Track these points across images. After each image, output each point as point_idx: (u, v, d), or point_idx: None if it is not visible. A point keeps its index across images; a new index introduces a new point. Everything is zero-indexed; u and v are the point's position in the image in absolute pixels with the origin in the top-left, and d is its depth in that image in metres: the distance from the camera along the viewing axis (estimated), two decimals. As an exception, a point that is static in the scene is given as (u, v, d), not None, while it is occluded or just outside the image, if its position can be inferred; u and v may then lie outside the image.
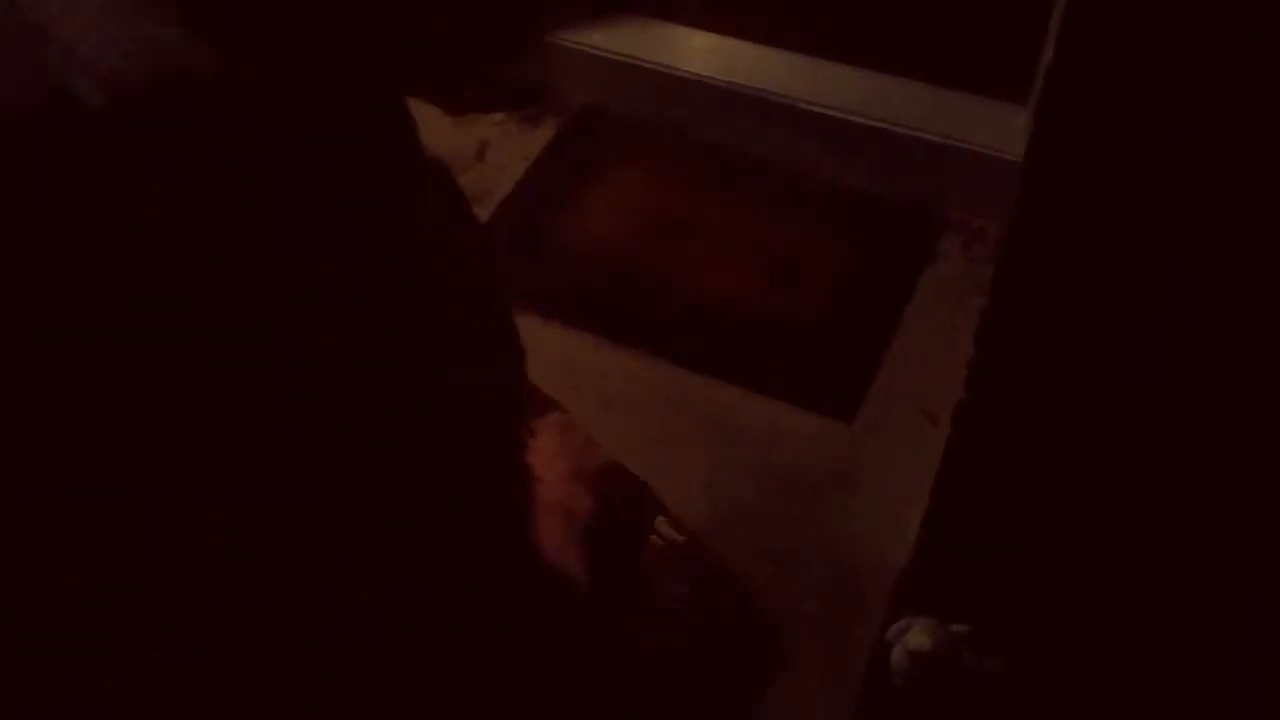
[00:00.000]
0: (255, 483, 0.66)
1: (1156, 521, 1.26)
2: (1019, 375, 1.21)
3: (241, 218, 0.61)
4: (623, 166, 2.24)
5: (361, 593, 0.75)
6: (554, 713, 0.96)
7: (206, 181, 0.59)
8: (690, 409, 1.84)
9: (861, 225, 2.12)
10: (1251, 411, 1.12)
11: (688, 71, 2.22)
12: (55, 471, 0.62)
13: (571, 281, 2.03)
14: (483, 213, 2.11)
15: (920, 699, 1.38)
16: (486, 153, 2.27)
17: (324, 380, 0.67)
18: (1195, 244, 1.06)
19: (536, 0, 0.88)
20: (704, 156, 2.25)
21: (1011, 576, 1.37)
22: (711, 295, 2.01)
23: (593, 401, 1.78)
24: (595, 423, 1.62)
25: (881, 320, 1.98)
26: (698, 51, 2.27)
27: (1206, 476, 1.19)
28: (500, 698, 0.90)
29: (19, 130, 0.57)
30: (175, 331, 0.60)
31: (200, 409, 0.62)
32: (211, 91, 0.60)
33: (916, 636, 1.38)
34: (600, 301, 2.00)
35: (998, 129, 2.04)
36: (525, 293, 1.94)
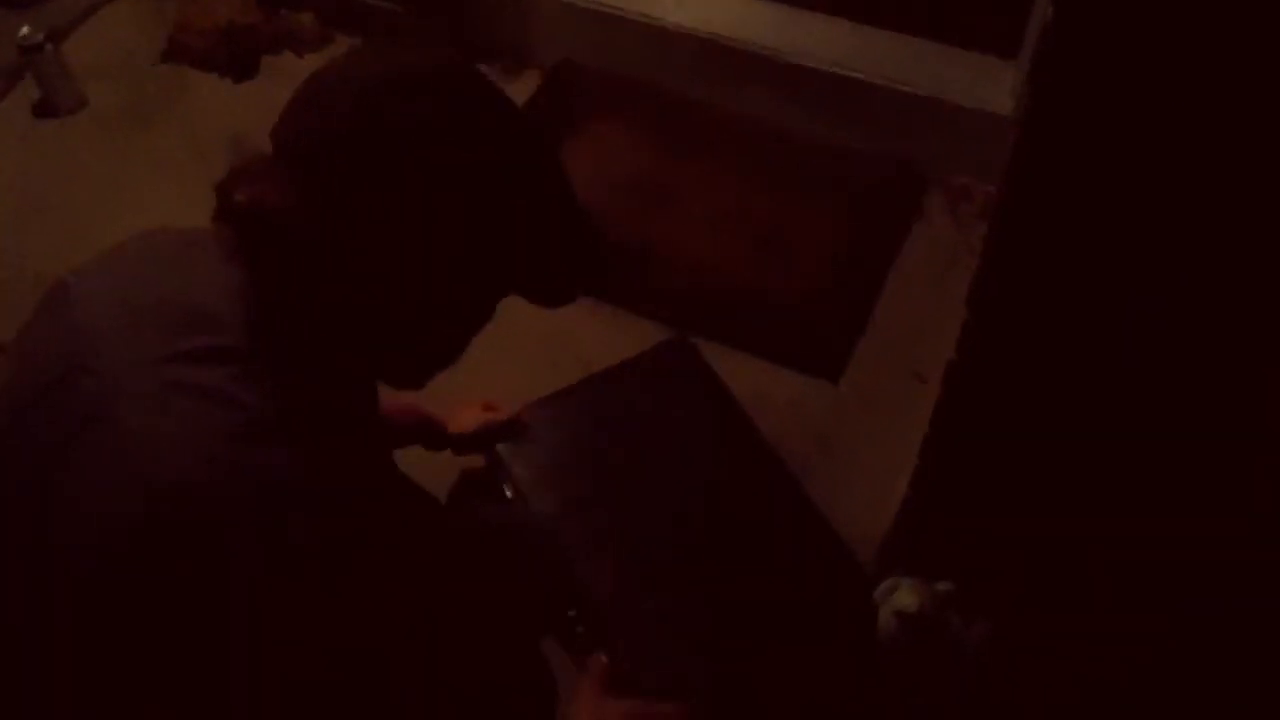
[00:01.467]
0: None
1: (1145, 482, 1.25)
2: (1010, 336, 1.19)
3: None
4: (604, 125, 2.19)
5: None
6: None
7: None
8: (674, 370, 1.81)
9: (847, 183, 2.09)
10: (1248, 376, 1.11)
11: (669, 23, 2.18)
12: None
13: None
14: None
15: (907, 658, 1.38)
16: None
17: None
18: (1194, 205, 1.05)
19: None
20: (686, 114, 2.21)
21: (999, 537, 1.36)
22: (695, 257, 1.99)
23: (573, 364, 1.75)
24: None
25: (868, 280, 1.96)
26: (679, 3, 2.22)
27: (1197, 438, 1.18)
28: None
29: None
30: None
31: None
32: None
33: (904, 596, 1.37)
34: (582, 260, 1.97)
35: (986, 84, 2.01)
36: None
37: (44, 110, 2.30)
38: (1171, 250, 1.08)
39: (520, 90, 2.26)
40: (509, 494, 1.47)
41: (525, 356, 1.75)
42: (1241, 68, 0.94)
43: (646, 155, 2.14)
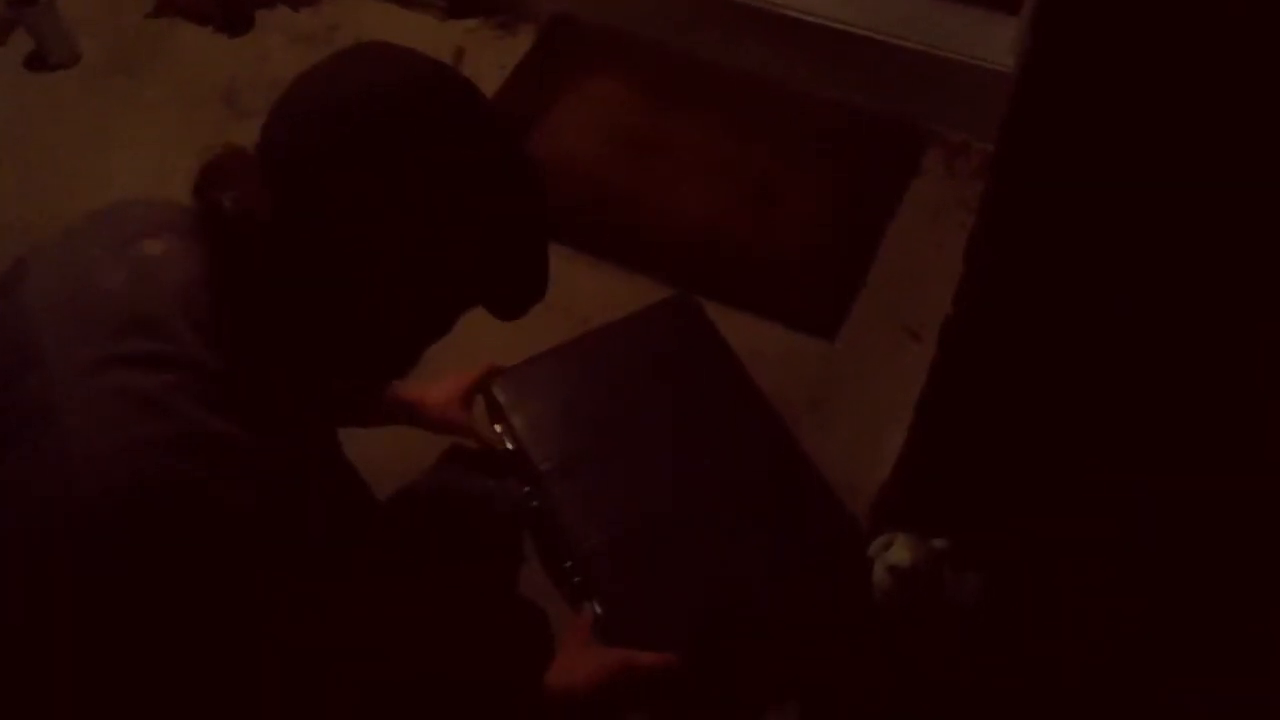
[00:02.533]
0: None
1: (1141, 437, 1.26)
2: (1007, 292, 1.20)
3: None
4: (600, 79, 2.18)
5: None
6: None
7: None
8: (670, 326, 1.81)
9: (843, 139, 2.08)
10: (1246, 330, 1.12)
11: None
12: None
13: (549, 197, 1.99)
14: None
15: (901, 613, 1.40)
16: (463, 61, 2.20)
17: None
18: (1191, 162, 1.04)
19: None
20: (682, 69, 2.19)
21: (993, 492, 1.37)
22: (690, 212, 1.98)
23: (567, 318, 1.75)
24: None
25: (863, 237, 1.95)
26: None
27: (1193, 391, 1.18)
28: None
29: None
30: None
31: None
32: None
33: (898, 552, 1.39)
34: (577, 218, 1.96)
35: (986, 39, 1.99)
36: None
37: (37, 63, 2.28)
38: (1169, 206, 1.08)
39: (517, 45, 2.24)
40: (509, 445, 1.47)
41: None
42: (1241, 27, 0.94)
43: (642, 111, 2.12)
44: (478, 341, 1.53)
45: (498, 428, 1.50)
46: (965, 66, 1.99)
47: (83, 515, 0.75)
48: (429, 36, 2.24)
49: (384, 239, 0.84)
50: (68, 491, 0.75)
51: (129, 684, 0.78)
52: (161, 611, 0.76)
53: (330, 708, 0.87)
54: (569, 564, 1.40)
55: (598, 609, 1.33)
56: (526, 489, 1.45)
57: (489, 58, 2.21)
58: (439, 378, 1.48)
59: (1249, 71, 0.96)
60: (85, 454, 0.76)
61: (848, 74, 2.11)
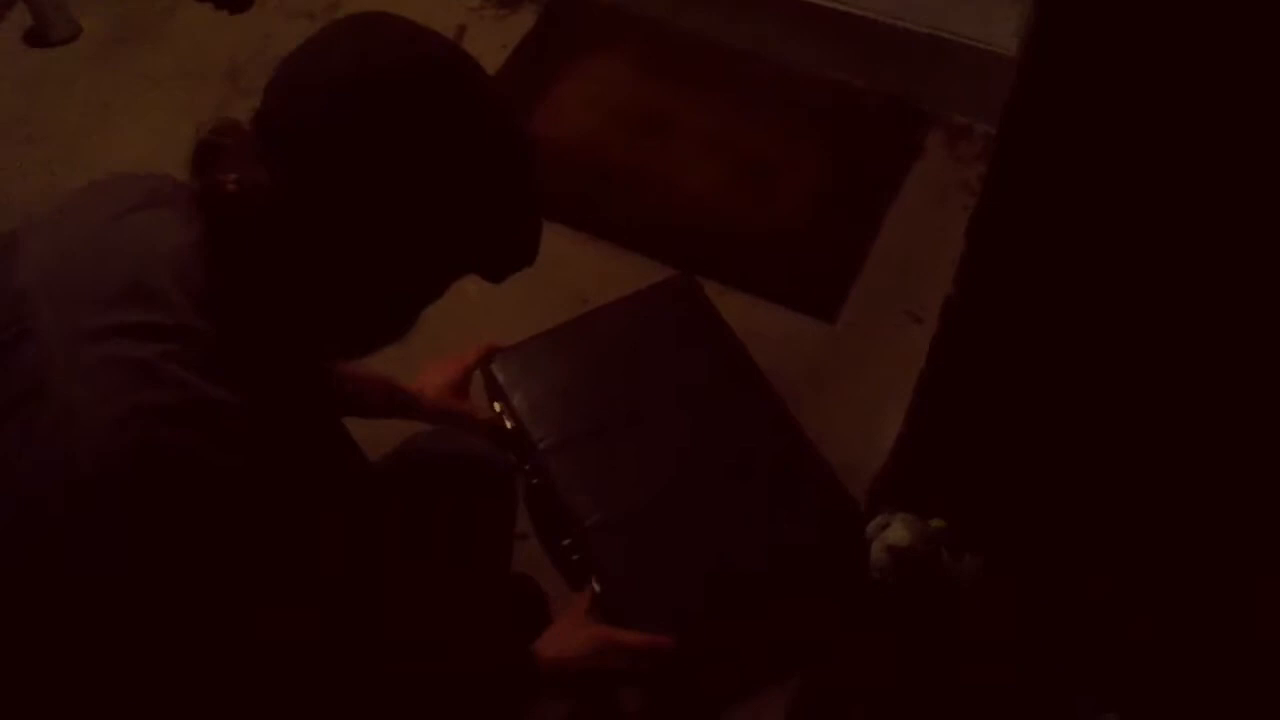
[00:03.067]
0: None
1: (1139, 420, 1.26)
2: (1008, 272, 1.20)
3: None
4: (602, 58, 2.17)
5: None
6: None
7: None
8: (670, 306, 1.81)
9: (846, 121, 2.08)
10: (1247, 309, 1.12)
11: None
12: None
13: (548, 175, 1.98)
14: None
15: (899, 593, 1.40)
16: (464, 38, 2.20)
17: None
18: (1193, 145, 1.04)
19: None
20: (684, 48, 2.19)
21: (991, 473, 1.38)
22: (691, 191, 1.98)
23: (567, 296, 1.75)
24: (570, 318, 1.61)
25: (865, 219, 1.95)
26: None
27: (1192, 373, 1.18)
28: None
29: None
30: None
31: None
32: None
33: (896, 532, 1.39)
34: (578, 196, 1.96)
35: (990, 22, 1.98)
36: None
37: (37, 39, 2.27)
38: (1170, 189, 1.08)
39: (519, 23, 2.24)
40: (508, 425, 1.48)
41: (518, 292, 1.74)
42: (1238, 14, 0.94)
43: (645, 91, 2.12)
44: (477, 321, 1.54)
45: (497, 406, 1.50)
46: (969, 49, 1.98)
47: (81, 485, 0.75)
48: (431, 13, 2.22)
49: (380, 210, 0.84)
50: (66, 462, 0.75)
51: (128, 654, 0.78)
52: (161, 579, 0.76)
53: (324, 676, 0.87)
54: (567, 541, 1.41)
55: (596, 586, 1.33)
56: (526, 466, 1.45)
57: (491, 35, 2.21)
58: (438, 358, 1.48)
59: (1248, 57, 0.96)
60: (83, 424, 0.76)
61: (851, 55, 2.11)
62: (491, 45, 2.18)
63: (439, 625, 1.07)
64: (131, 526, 0.75)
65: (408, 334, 0.96)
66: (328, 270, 0.85)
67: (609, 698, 1.39)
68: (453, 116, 0.85)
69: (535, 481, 1.45)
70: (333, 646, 0.86)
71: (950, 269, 1.28)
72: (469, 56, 0.89)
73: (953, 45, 1.99)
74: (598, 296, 1.68)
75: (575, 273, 1.84)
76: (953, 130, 2.06)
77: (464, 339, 1.51)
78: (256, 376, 0.82)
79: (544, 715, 1.35)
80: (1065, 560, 1.38)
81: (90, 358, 0.78)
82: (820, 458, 1.47)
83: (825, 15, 2.07)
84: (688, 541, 1.37)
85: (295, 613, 0.82)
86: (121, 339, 0.78)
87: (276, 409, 0.83)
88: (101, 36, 2.29)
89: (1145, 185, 1.09)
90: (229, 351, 0.81)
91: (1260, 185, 1.04)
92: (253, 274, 0.84)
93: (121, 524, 0.75)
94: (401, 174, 0.83)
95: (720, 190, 1.98)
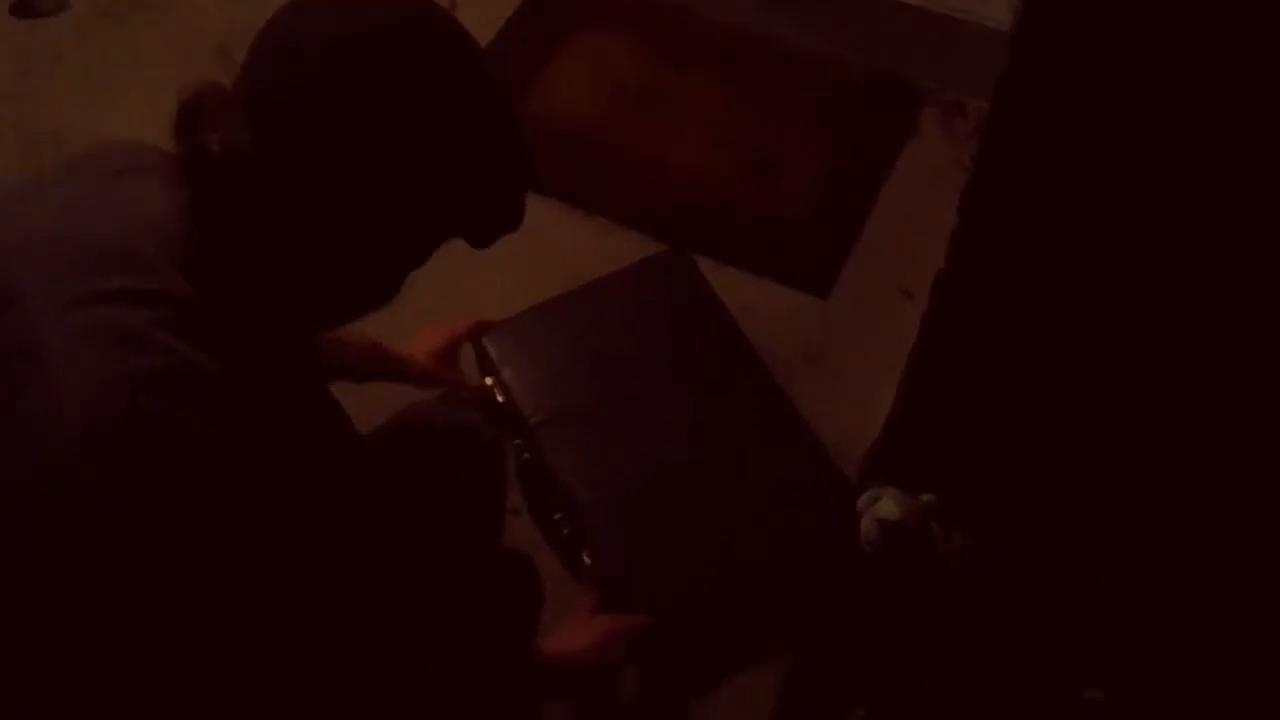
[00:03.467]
0: None
1: (1130, 394, 1.26)
2: (1000, 246, 1.20)
3: None
4: (596, 35, 2.16)
5: None
6: None
7: None
8: (663, 282, 1.80)
9: (840, 97, 2.07)
10: (1232, 289, 1.12)
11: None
12: None
13: (542, 151, 1.97)
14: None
15: (889, 566, 1.41)
16: (456, 10, 2.17)
17: None
18: (1183, 122, 1.04)
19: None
20: (679, 25, 2.18)
21: (982, 448, 1.38)
22: (685, 168, 1.97)
23: (560, 274, 1.75)
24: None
25: (858, 196, 1.94)
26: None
27: (1183, 350, 1.19)
28: None
29: None
30: None
31: None
32: None
33: (886, 506, 1.39)
34: (570, 173, 1.95)
35: (983, -2, 1.98)
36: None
37: (25, 10, 2.25)
38: (1161, 165, 1.08)
39: (512, 1, 2.22)
40: (499, 399, 1.48)
41: (512, 267, 1.75)
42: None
43: (639, 67, 2.11)
44: (470, 297, 1.54)
45: (488, 380, 1.50)
46: (963, 26, 1.98)
47: (68, 453, 0.74)
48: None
49: (362, 173, 0.83)
50: (52, 429, 0.75)
51: (117, 626, 0.78)
52: (148, 549, 0.75)
53: (317, 659, 0.87)
54: (559, 516, 1.41)
55: (587, 559, 1.33)
56: (517, 441, 1.45)
57: (484, 5, 2.19)
58: (428, 326, 1.47)
59: (1241, 33, 0.96)
60: (70, 390, 0.75)
61: (845, 31, 2.10)
62: (486, 15, 2.15)
63: (435, 606, 1.06)
64: (118, 494, 0.75)
65: (393, 299, 0.95)
66: (312, 233, 0.85)
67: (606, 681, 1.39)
68: (435, 78, 0.84)
69: (526, 456, 1.45)
70: (326, 626, 0.86)
71: (943, 245, 1.27)
72: (452, 19, 0.88)
73: (946, 20, 1.99)
74: (592, 274, 1.68)
75: (569, 250, 1.83)
76: (947, 107, 2.05)
77: (456, 314, 1.51)
78: (243, 342, 0.81)
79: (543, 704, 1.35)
80: (1056, 533, 1.38)
81: (77, 324, 0.77)
82: (812, 433, 1.47)
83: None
84: (679, 516, 1.37)
85: (286, 587, 0.82)
86: (108, 305, 0.78)
87: (264, 375, 0.82)
88: (90, 8, 2.26)
89: (1137, 161, 1.09)
90: (215, 317, 0.80)
91: (1253, 163, 1.04)
92: (237, 238, 0.83)
93: (109, 491, 0.74)
94: (383, 136, 0.82)
95: (715, 167, 1.97)
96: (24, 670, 0.80)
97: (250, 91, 0.83)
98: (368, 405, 1.21)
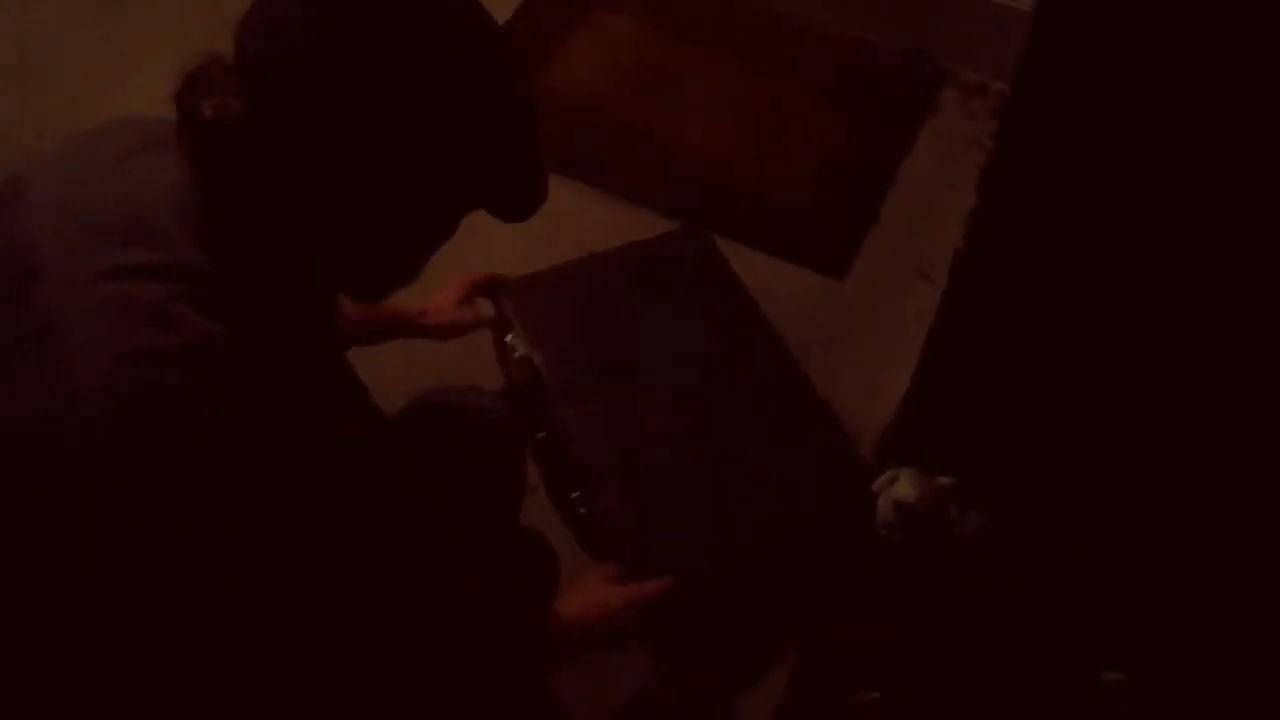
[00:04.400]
0: None
1: (1146, 379, 1.26)
2: (1019, 227, 1.19)
3: None
4: (613, 13, 2.15)
5: None
6: None
7: None
8: (679, 262, 1.80)
9: (858, 77, 2.06)
10: (1249, 268, 1.11)
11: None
12: None
13: (557, 130, 1.97)
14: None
15: (906, 547, 1.41)
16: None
17: None
18: (1202, 106, 1.03)
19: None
20: (696, 3, 2.16)
21: (999, 430, 1.38)
22: (701, 147, 1.96)
23: (574, 252, 1.75)
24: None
25: (876, 176, 1.93)
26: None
27: (1201, 329, 1.18)
28: None
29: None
30: None
31: None
32: None
33: (903, 487, 1.39)
34: (586, 151, 1.94)
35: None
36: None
37: (42, -15, 2.25)
38: (1181, 145, 1.07)
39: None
40: (518, 352, 1.46)
41: (528, 245, 1.74)
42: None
43: (655, 45, 2.10)
44: (480, 263, 1.53)
45: (508, 338, 1.49)
46: (985, 5, 1.96)
47: (85, 429, 0.75)
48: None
49: (368, 144, 0.81)
50: (69, 400, 0.75)
51: (129, 603, 0.78)
52: (163, 523, 0.76)
53: (329, 643, 0.87)
54: (575, 494, 1.41)
55: (598, 524, 1.31)
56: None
57: (501, -12, 2.18)
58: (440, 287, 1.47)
59: (1256, 27, 0.95)
60: (87, 362, 0.75)
61: (864, 10, 2.08)
62: (502, -3, 2.15)
63: (453, 581, 1.06)
64: (132, 466, 0.75)
65: (414, 279, 0.95)
66: (312, 203, 0.83)
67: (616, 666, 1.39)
68: (435, 44, 0.81)
69: (542, 435, 1.45)
70: (345, 602, 0.86)
71: (960, 227, 1.27)
72: None
73: (968, 1, 1.97)
74: (603, 249, 1.67)
75: (584, 228, 1.83)
76: (966, 87, 2.04)
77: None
78: (261, 316, 0.81)
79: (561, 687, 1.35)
80: (1071, 515, 1.38)
81: (96, 299, 0.77)
82: (829, 413, 1.47)
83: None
84: (694, 491, 1.37)
85: (300, 567, 0.82)
86: (127, 280, 0.78)
87: (282, 350, 0.82)
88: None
89: (1158, 142, 1.08)
90: (234, 290, 0.80)
91: (1273, 144, 1.04)
92: (244, 209, 0.83)
93: (122, 464, 0.75)
94: (375, 105, 0.80)
95: (731, 146, 1.96)
96: (24, 664, 0.80)
97: (245, 58, 0.82)
98: (387, 386, 1.21)
